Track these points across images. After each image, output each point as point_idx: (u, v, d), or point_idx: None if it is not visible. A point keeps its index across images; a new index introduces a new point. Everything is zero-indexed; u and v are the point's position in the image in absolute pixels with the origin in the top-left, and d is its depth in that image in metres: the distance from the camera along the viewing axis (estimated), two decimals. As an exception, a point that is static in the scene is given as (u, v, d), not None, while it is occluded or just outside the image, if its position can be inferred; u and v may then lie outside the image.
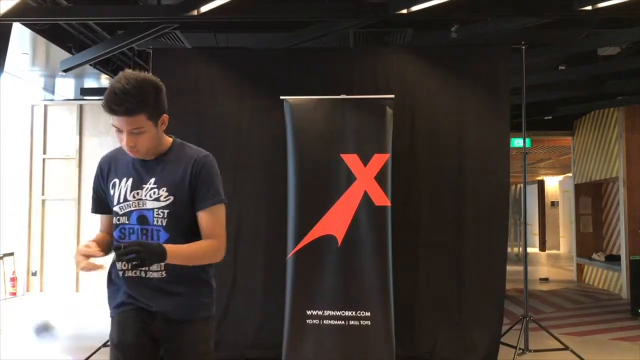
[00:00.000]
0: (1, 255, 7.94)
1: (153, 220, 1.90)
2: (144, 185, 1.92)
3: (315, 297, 4.21)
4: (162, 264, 1.87)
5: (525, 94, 4.83)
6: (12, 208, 8.20)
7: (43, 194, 8.43)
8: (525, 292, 4.87)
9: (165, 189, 1.90)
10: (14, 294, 7.97)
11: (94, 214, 2.06)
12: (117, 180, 1.96)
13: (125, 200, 1.92)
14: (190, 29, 5.23)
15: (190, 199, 1.92)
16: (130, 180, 1.94)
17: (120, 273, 1.93)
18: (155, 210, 1.90)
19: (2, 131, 7.91)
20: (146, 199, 1.91)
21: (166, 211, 1.89)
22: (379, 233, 4.22)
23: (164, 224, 1.89)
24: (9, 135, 8.19)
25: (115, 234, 1.94)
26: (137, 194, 1.92)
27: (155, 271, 1.90)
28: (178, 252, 1.83)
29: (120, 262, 1.90)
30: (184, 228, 1.92)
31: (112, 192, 1.96)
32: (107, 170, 2.00)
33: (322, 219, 4.25)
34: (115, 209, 1.93)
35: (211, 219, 1.93)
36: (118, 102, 1.77)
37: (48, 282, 8.35)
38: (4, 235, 7.97)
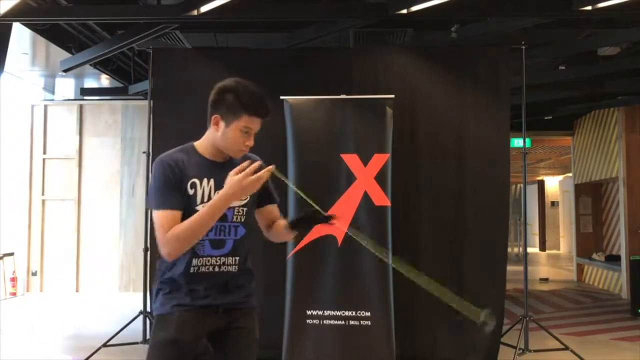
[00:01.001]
0: (1, 255, 7.93)
1: (232, 217, 2.04)
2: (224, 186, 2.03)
3: (315, 297, 4.21)
4: (237, 258, 2.05)
5: (525, 94, 4.83)
6: (12, 208, 8.20)
7: (43, 194, 8.43)
8: (525, 292, 4.87)
9: None
10: (14, 294, 7.97)
11: (170, 210, 1.92)
12: (196, 181, 1.99)
13: (210, 199, 1.98)
14: (190, 29, 5.24)
15: (255, 198, 2.14)
16: (212, 180, 2.00)
17: (194, 269, 1.98)
18: (236, 208, 2.04)
19: (2, 131, 7.92)
20: None
21: (245, 209, 2.08)
22: (379, 233, 4.22)
23: (242, 220, 2.07)
24: (9, 135, 8.19)
25: None
26: None
27: (231, 265, 2.04)
28: None
29: (198, 259, 1.99)
30: (252, 223, 2.15)
31: (191, 191, 1.97)
32: (181, 169, 1.97)
33: (322, 219, 4.24)
34: (199, 208, 1.96)
35: (278, 210, 2.26)
36: (269, 106, 2.07)
37: (48, 282, 8.35)
38: (4, 235, 7.96)
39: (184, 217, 1.93)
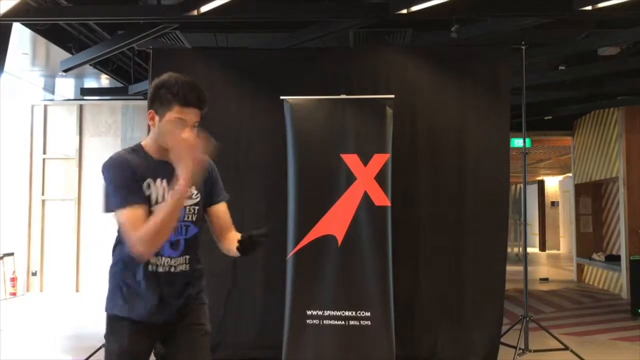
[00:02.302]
0: (1, 255, 7.93)
1: (184, 217, 2.02)
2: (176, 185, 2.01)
3: (315, 297, 4.21)
4: (188, 256, 2.05)
5: (525, 94, 4.83)
6: (12, 208, 8.19)
7: (43, 194, 8.43)
8: (525, 292, 4.87)
9: (194, 187, 2.03)
10: (14, 294, 7.97)
11: (135, 206, 1.87)
12: (151, 180, 1.96)
13: (164, 199, 1.95)
14: (190, 29, 5.24)
15: (205, 196, 2.11)
16: (165, 180, 1.97)
17: (152, 268, 1.98)
18: (188, 207, 2.03)
19: (2, 131, 7.91)
20: None
21: (196, 207, 2.06)
22: (379, 233, 4.22)
23: (194, 219, 2.05)
24: (9, 135, 8.19)
25: None
26: None
27: (183, 264, 2.04)
28: None
29: (156, 257, 1.98)
30: (202, 221, 2.12)
31: (147, 192, 1.95)
32: (135, 170, 1.94)
33: (322, 219, 4.25)
34: (154, 209, 1.94)
35: (227, 209, 2.18)
36: (203, 95, 1.95)
37: (48, 282, 8.35)
38: (4, 235, 7.96)
39: None
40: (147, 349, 2.05)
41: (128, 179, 1.91)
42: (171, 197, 1.84)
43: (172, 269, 2.01)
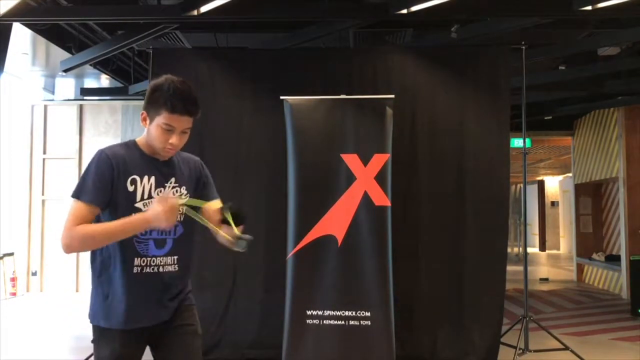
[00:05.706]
0: (1, 255, 7.94)
1: None
2: (166, 184, 2.03)
3: (315, 297, 4.21)
4: (176, 257, 2.03)
5: (525, 94, 4.83)
6: (12, 208, 8.20)
7: (43, 194, 8.43)
8: (525, 292, 4.87)
9: (184, 187, 2.07)
10: (14, 294, 7.97)
11: (87, 204, 1.87)
12: (137, 177, 1.96)
13: (150, 197, 1.97)
14: (190, 29, 5.24)
15: (194, 197, 2.10)
16: (153, 178, 1.99)
17: (138, 269, 1.94)
18: None
19: (2, 131, 7.92)
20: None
21: (184, 207, 2.04)
22: (379, 233, 4.21)
23: (182, 219, 2.04)
24: (9, 135, 8.19)
25: None
26: (161, 191, 2.01)
27: (170, 265, 2.02)
28: None
29: (142, 258, 1.96)
30: (192, 221, 2.07)
31: (130, 188, 1.94)
32: (121, 165, 1.94)
33: (322, 219, 4.25)
34: (138, 205, 1.94)
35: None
36: (193, 103, 1.93)
37: (48, 282, 8.36)
38: (4, 235, 7.96)
39: (123, 213, 1.90)
40: (138, 352, 2.02)
41: (102, 176, 1.90)
42: (128, 221, 1.85)
43: (160, 269, 1.98)
